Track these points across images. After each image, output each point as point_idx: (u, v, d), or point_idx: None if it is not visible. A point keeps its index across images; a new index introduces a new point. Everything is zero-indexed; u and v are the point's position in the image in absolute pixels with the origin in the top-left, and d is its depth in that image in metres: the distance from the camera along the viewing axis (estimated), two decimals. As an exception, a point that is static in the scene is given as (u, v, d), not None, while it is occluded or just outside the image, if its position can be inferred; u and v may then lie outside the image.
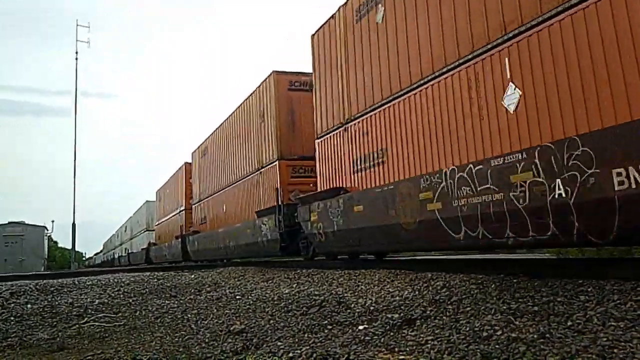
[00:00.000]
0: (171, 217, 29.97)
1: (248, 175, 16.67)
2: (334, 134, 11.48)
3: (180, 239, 25.74)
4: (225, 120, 19.74)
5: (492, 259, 10.20)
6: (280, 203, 13.71)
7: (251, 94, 16.52)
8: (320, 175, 12.08)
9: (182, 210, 27.02)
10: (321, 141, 12.08)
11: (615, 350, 3.16)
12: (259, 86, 15.77)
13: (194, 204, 23.93)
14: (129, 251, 48.56)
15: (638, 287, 4.50)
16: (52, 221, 57.55)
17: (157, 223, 35.55)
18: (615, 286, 4.68)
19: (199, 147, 23.85)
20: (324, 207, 11.31)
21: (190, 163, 26.09)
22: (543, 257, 12.36)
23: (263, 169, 15.23)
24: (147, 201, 40.53)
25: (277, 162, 14.14)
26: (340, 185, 10.90)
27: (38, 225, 48.53)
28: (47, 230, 50.67)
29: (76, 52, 34.96)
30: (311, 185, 13.29)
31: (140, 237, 42.50)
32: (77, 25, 35.44)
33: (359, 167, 10.38)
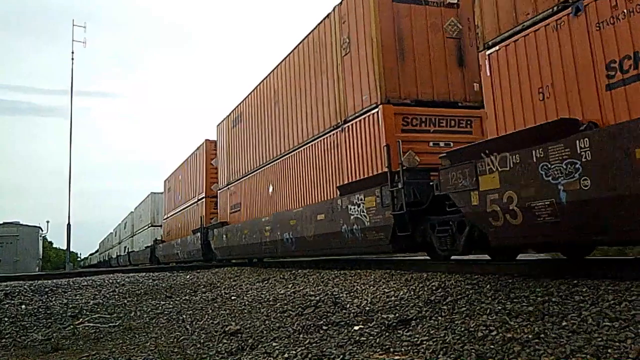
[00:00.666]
0: (186, 209, 25.17)
1: (317, 137, 11.48)
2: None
3: (200, 233, 21.18)
4: (274, 70, 14.40)
5: (487, 260, 10.19)
6: (391, 169, 8.48)
7: (325, 19, 11.59)
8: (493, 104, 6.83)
9: (201, 199, 22.19)
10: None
11: (610, 351, 3.16)
12: (341, 3, 10.76)
13: (220, 190, 19.51)
14: (129, 250, 44.20)
15: (632, 288, 4.51)
16: (47, 221, 57.47)
17: (165, 217, 30.95)
18: (609, 286, 4.69)
19: (227, 117, 18.96)
20: (522, 161, 5.89)
21: (212, 140, 21.43)
22: (538, 257, 12.38)
23: (350, 122, 10.00)
24: (152, 193, 35.93)
25: (378, 108, 9.01)
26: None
27: (33, 226, 48.36)
28: (42, 230, 50.50)
29: (72, 52, 34.99)
30: (440, 145, 8.92)
31: (144, 233, 38.00)
32: (74, 25, 35.41)
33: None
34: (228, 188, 18.45)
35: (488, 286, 5.71)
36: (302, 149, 12.26)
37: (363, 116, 9.55)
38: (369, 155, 9.34)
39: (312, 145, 11.72)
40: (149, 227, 35.65)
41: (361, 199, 9.45)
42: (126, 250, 46.01)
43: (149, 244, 33.92)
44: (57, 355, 5.66)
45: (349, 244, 10.02)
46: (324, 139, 11.14)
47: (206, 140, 21.98)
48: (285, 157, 13.19)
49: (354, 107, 9.90)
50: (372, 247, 9.39)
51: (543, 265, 7.83)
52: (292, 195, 12.76)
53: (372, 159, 9.24)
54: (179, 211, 26.48)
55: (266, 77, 14.94)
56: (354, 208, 9.68)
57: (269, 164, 14.40)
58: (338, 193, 10.24)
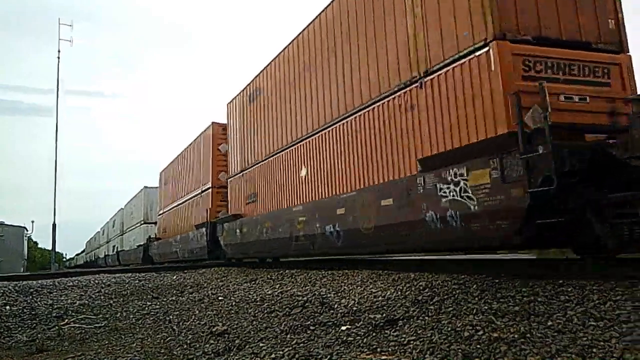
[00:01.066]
0: (188, 201, 22.20)
1: (378, 100, 8.73)
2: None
3: (205, 229, 18.56)
4: (307, 27, 11.68)
5: (474, 259, 10.26)
6: (522, 127, 5.88)
7: None
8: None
9: (207, 190, 19.34)
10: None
11: (595, 350, 3.19)
12: None
13: (231, 179, 16.93)
14: (119, 249, 41.21)
15: (617, 288, 4.55)
16: (32, 221, 56.97)
17: (160, 213, 28.20)
18: (595, 286, 4.73)
19: (242, 92, 16.22)
20: None
21: (221, 124, 18.83)
22: (524, 257, 12.47)
23: (436, 73, 7.38)
24: (145, 187, 32.92)
25: (490, 46, 6.43)
26: None
27: (18, 226, 47.96)
28: (27, 230, 50.11)
29: (58, 51, 34.70)
30: (575, 100, 6.45)
31: (135, 231, 34.93)
32: (60, 24, 35.13)
33: None
34: (242, 175, 15.59)
35: (475, 286, 5.74)
36: (351, 118, 9.55)
37: (461, 61, 6.92)
38: (471, 115, 6.73)
39: (367, 112, 9.04)
40: (141, 224, 32.95)
41: (462, 174, 6.80)
42: (115, 250, 43.41)
43: (142, 243, 31.40)
44: (41, 356, 5.61)
45: (438, 236, 7.28)
46: (388, 101, 8.45)
47: (213, 123, 19.11)
48: (326, 130, 10.43)
49: (442, 53, 7.26)
50: (482, 240, 6.74)
51: (530, 265, 7.87)
52: (338, 178, 9.97)
53: (478, 119, 6.62)
54: (179, 205, 23.66)
55: (296, 37, 12.29)
56: (448, 188, 7.03)
57: (300, 141, 11.62)
58: (418, 168, 7.61)
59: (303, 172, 11.54)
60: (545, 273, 5.84)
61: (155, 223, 30.05)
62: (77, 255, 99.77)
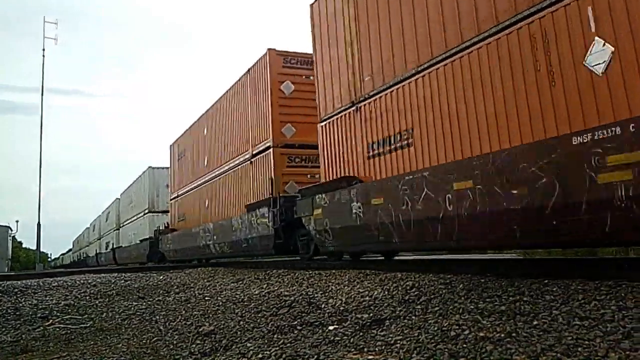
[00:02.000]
0: (224, 175, 16.13)
1: None
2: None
3: (270, 208, 12.37)
4: None
5: (460, 259, 10.31)
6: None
7: None
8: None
9: (264, 151, 13.23)
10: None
11: (580, 349, 3.22)
12: None
13: (326, 119, 10.52)
14: (115, 245, 35.61)
15: (602, 287, 4.60)
16: (17, 221, 56.34)
17: (174, 196, 21.86)
18: (580, 286, 4.77)
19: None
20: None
21: (281, 52, 13.28)
22: (509, 257, 12.57)
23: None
24: (150, 168, 27.17)
25: None
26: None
27: (2, 225, 47.42)
28: (11, 230, 49.55)
29: (43, 50, 34.44)
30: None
31: (137, 223, 29.30)
32: (45, 22, 34.82)
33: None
34: (371, 101, 9.02)
35: (461, 285, 5.77)
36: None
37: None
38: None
39: None
40: (145, 214, 27.20)
41: None
42: (109, 247, 38.06)
43: (147, 236, 25.90)
44: (26, 356, 5.55)
45: None
46: None
47: (270, 50, 13.30)
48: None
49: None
50: None
51: (515, 265, 7.94)
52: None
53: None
54: (208, 182, 17.60)
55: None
56: None
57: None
58: None
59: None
60: (530, 272, 5.88)
61: (165, 212, 24.60)
62: (63, 254, 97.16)
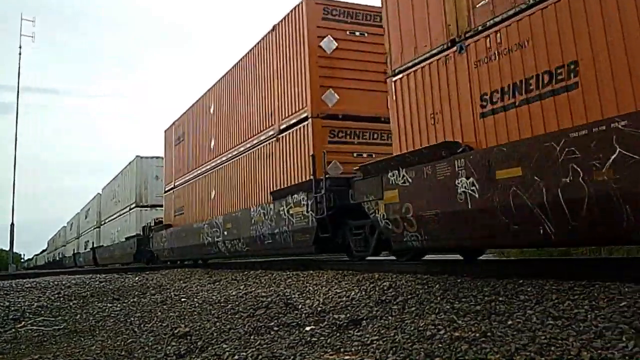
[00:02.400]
0: (240, 156, 13.14)
1: None
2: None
3: (313, 194, 9.53)
4: None
5: (436, 260, 10.35)
6: None
7: None
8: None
9: (300, 123, 10.39)
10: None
11: (553, 348, 3.25)
12: None
13: (402, 70, 7.71)
14: (95, 245, 32.73)
15: (575, 287, 4.66)
16: (-10, 221, 55.24)
17: (170, 188, 18.92)
18: (554, 286, 4.83)
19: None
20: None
21: (321, 2, 10.41)
22: (487, 258, 12.68)
23: None
24: (137, 157, 24.37)
25: None
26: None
27: (-27, 226, 46.49)
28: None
29: (19, 47, 33.92)
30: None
31: (120, 220, 26.76)
32: (22, 19, 34.32)
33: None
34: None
35: (437, 286, 5.80)
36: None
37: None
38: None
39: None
40: (131, 209, 24.63)
41: None
42: (88, 246, 35.06)
43: (133, 234, 23.47)
44: (-4, 360, 5.45)
45: None
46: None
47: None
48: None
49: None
50: None
51: (491, 265, 8.01)
52: None
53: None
54: (214, 167, 14.74)
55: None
56: None
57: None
58: None
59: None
60: (507, 272, 5.94)
61: (154, 206, 22.50)
62: (37, 255, 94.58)
